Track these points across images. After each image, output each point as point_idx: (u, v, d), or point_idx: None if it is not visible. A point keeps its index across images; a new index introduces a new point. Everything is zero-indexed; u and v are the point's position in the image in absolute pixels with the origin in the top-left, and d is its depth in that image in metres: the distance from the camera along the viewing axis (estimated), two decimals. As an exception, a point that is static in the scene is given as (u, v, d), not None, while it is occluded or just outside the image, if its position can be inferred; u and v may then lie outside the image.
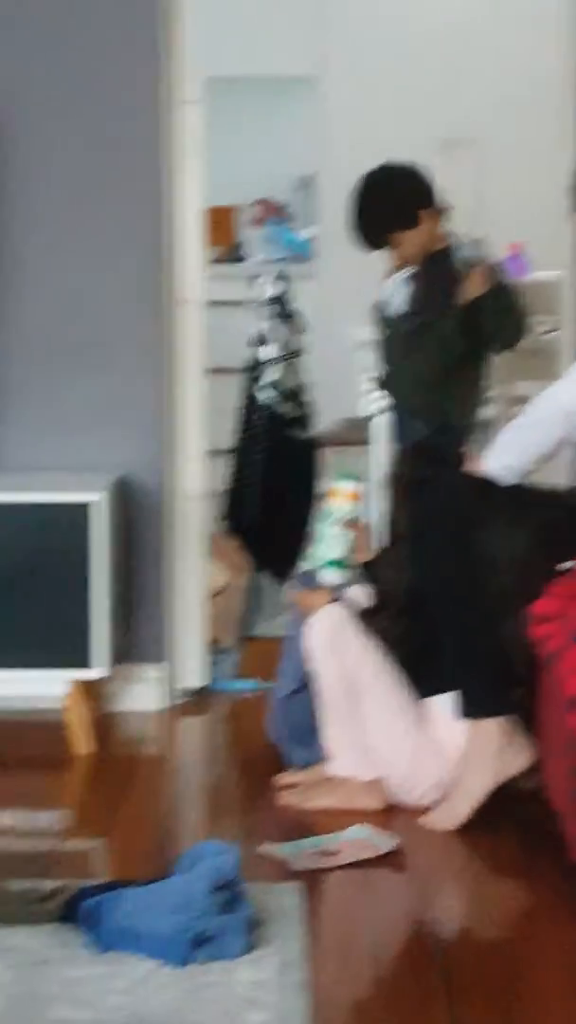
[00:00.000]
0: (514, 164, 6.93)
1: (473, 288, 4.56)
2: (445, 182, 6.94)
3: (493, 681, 3.46)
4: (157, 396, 4.33)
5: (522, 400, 5.55)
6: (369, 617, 3.60)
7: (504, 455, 3.54)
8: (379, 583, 3.67)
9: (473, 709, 3.48)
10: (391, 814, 3.56)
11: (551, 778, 3.35)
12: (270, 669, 4.03)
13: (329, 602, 3.62)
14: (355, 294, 4.83)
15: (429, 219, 4.58)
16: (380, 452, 5.44)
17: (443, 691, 3.54)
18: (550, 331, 5.57)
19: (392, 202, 4.56)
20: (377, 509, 5.38)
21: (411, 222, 4.56)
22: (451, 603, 3.49)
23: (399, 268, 4.73)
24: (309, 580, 3.69)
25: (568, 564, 3.41)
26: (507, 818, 3.48)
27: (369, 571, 3.78)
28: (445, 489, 3.57)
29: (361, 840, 3.38)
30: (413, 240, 4.60)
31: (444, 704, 3.54)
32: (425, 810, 3.53)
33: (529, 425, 3.54)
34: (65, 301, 4.29)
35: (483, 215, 6.93)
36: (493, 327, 4.52)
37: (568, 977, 2.81)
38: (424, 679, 3.57)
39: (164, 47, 4.26)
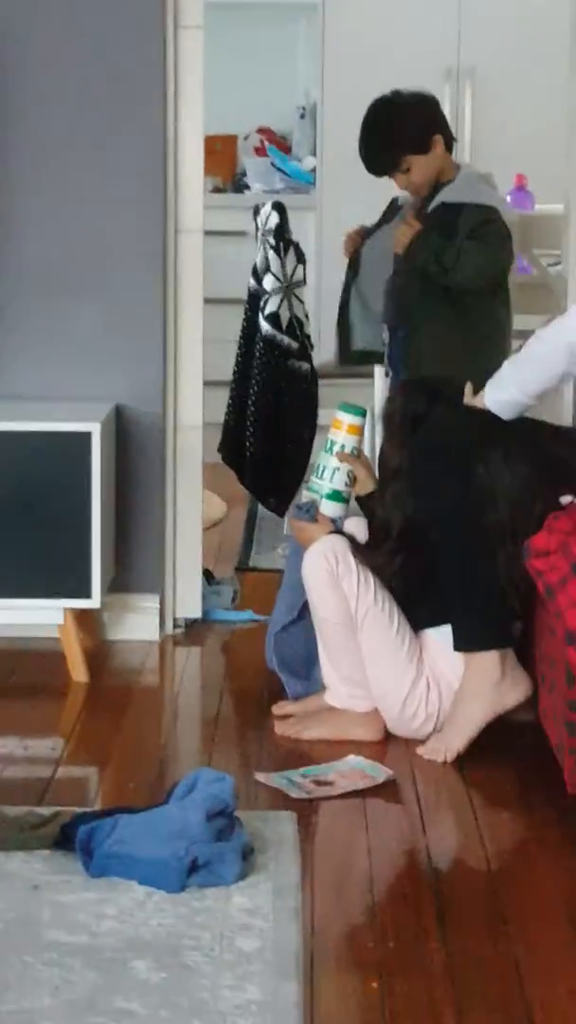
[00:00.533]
0: (517, 96, 6.86)
1: (398, 244, 4.53)
2: (448, 111, 6.93)
3: (491, 614, 3.46)
4: (156, 326, 4.31)
5: (527, 334, 5.54)
6: (367, 550, 3.59)
7: (505, 389, 3.52)
8: (376, 517, 3.65)
9: (470, 642, 3.48)
10: (387, 745, 3.57)
11: (548, 711, 3.36)
12: (267, 601, 4.03)
13: (328, 534, 3.61)
14: (354, 223, 4.78)
15: (440, 146, 4.54)
16: (381, 386, 5.42)
17: (440, 624, 3.54)
18: (555, 264, 5.54)
19: (406, 125, 4.52)
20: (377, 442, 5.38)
21: (424, 146, 4.52)
22: (450, 537, 3.48)
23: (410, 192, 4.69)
24: (308, 511, 3.68)
25: (568, 498, 3.40)
26: (503, 750, 3.49)
27: (367, 505, 3.78)
28: (443, 424, 3.56)
29: (356, 770, 3.39)
30: (424, 166, 4.55)
31: (441, 636, 3.54)
32: (421, 742, 3.53)
33: (532, 359, 3.52)
34: (65, 230, 4.26)
35: (486, 147, 6.88)
36: (438, 270, 4.47)
37: (561, 907, 2.82)
38: (421, 612, 3.57)
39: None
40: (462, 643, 3.49)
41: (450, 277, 4.45)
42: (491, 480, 3.43)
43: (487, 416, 3.52)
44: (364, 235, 4.80)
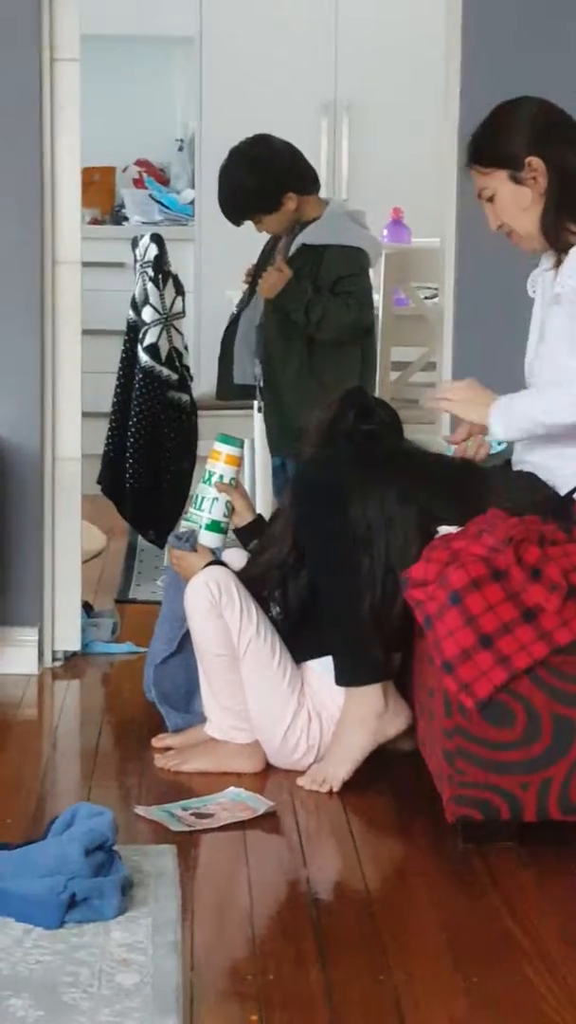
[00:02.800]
0: (394, 130, 6.94)
1: (266, 288, 4.57)
2: (324, 146, 6.99)
3: (370, 649, 3.47)
4: (33, 357, 4.28)
5: (404, 366, 5.60)
6: (249, 580, 3.59)
7: (518, 434, 3.42)
8: (262, 546, 3.64)
9: (351, 677, 3.49)
10: (268, 776, 3.57)
11: (426, 739, 3.38)
12: (147, 633, 4.01)
13: (207, 564, 3.61)
14: (235, 257, 4.81)
15: (292, 202, 4.56)
16: (260, 417, 5.44)
17: (321, 655, 3.54)
18: (431, 296, 5.60)
19: (252, 186, 4.54)
20: (261, 471, 5.40)
21: (272, 207, 4.56)
22: (326, 575, 3.49)
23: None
24: (188, 540, 3.67)
25: (445, 529, 3.42)
26: (382, 779, 3.50)
27: (244, 535, 3.77)
28: (321, 458, 3.56)
29: (237, 802, 3.39)
30: (275, 221, 4.61)
31: (323, 668, 3.54)
32: (302, 772, 3.53)
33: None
34: None
35: (363, 180, 6.95)
36: (304, 321, 4.51)
37: (440, 936, 2.83)
38: (303, 643, 3.57)
39: (45, 3, 4.21)
40: (343, 678, 3.50)
41: (313, 330, 4.51)
42: (368, 516, 3.44)
43: (367, 449, 3.52)
44: (260, 259, 4.82)
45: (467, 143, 3.52)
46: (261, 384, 4.75)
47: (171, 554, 3.76)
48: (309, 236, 4.57)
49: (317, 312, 4.50)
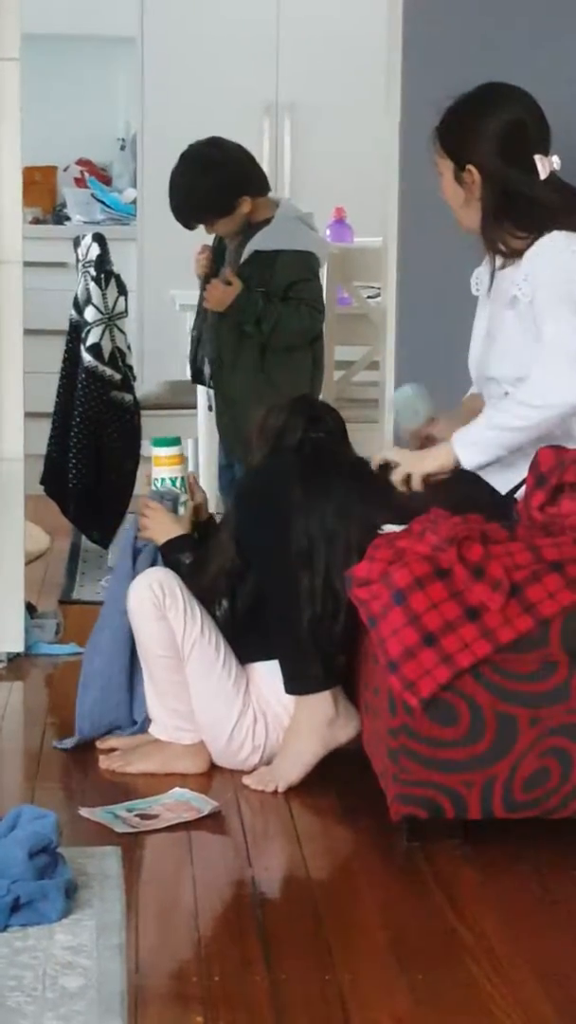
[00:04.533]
0: (335, 130, 6.94)
1: (214, 302, 4.56)
2: (267, 146, 6.98)
3: (317, 656, 3.46)
4: (-25, 358, 4.25)
5: (347, 364, 5.60)
6: (199, 590, 3.57)
7: (486, 454, 3.41)
8: (209, 553, 3.62)
9: (300, 685, 3.49)
10: (213, 776, 3.56)
11: (371, 738, 3.38)
12: (89, 634, 3.99)
13: (172, 541, 3.60)
14: (178, 257, 4.80)
15: (246, 204, 4.55)
16: (205, 417, 5.43)
17: (267, 658, 3.54)
18: (374, 296, 5.60)
19: (207, 188, 4.53)
20: (205, 470, 5.38)
21: (225, 210, 4.55)
22: (270, 584, 3.48)
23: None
24: (169, 500, 3.67)
25: (390, 527, 3.42)
26: (327, 778, 3.49)
27: (200, 534, 3.74)
28: (263, 468, 3.55)
29: (182, 802, 3.38)
30: (227, 224, 4.60)
31: (268, 669, 3.54)
32: (248, 772, 3.52)
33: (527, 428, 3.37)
34: None
35: (305, 180, 6.95)
36: (256, 331, 4.51)
37: (384, 935, 2.83)
38: (248, 644, 3.56)
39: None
40: (291, 687, 3.50)
41: (266, 338, 4.51)
42: (310, 531, 3.43)
43: (312, 461, 3.50)
44: (212, 253, 4.79)
45: (445, 107, 3.51)
46: (210, 385, 4.75)
47: (143, 506, 3.71)
48: (261, 242, 4.56)
49: (270, 322, 4.51)
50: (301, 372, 4.60)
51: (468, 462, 3.44)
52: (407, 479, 3.51)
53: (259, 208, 4.60)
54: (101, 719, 3.70)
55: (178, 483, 3.72)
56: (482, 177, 3.46)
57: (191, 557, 3.63)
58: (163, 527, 3.67)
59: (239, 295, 4.52)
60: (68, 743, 3.70)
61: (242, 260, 4.59)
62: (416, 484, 3.50)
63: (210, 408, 4.88)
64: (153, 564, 3.63)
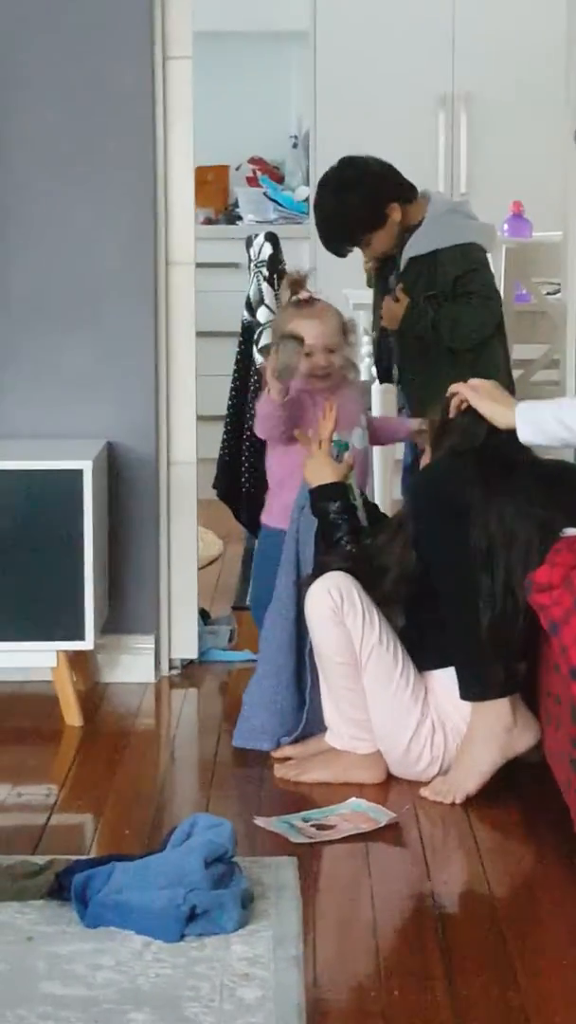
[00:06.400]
0: (513, 122, 6.89)
1: (389, 320, 4.55)
2: (442, 140, 6.96)
3: (497, 661, 3.45)
4: (148, 360, 4.31)
5: (526, 363, 5.56)
6: (371, 582, 3.57)
7: (539, 437, 3.43)
8: (380, 555, 3.63)
9: (477, 690, 3.47)
10: (390, 787, 3.56)
11: (553, 749, 3.35)
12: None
13: (335, 482, 3.68)
14: (351, 255, 4.80)
15: (397, 212, 4.53)
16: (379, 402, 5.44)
17: (445, 665, 3.53)
18: (553, 292, 5.55)
19: (350, 209, 4.51)
20: (381, 474, 5.39)
21: (379, 222, 4.53)
22: (449, 588, 3.47)
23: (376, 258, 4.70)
24: (340, 445, 3.82)
25: (570, 530, 3.40)
26: (508, 789, 3.47)
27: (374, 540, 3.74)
28: (442, 469, 3.54)
29: (359, 813, 3.38)
30: (384, 237, 4.57)
31: (447, 677, 3.53)
32: (425, 784, 3.52)
33: None
34: (55, 263, 4.27)
35: (482, 173, 6.91)
36: (436, 338, 4.51)
37: (570, 951, 2.81)
38: (426, 652, 3.56)
39: (157, 2, 4.23)
40: (470, 693, 3.48)
41: (448, 343, 4.49)
42: (490, 532, 3.41)
43: (491, 460, 3.49)
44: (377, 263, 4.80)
45: None
46: (398, 390, 4.76)
47: (307, 445, 3.80)
48: (414, 247, 4.54)
49: (447, 324, 4.49)
50: (495, 365, 4.56)
51: (522, 435, 3.41)
52: (457, 402, 3.51)
53: (411, 213, 4.57)
54: (270, 725, 3.74)
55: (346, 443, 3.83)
56: None
57: (340, 509, 3.67)
58: (321, 469, 3.72)
59: (407, 310, 4.51)
60: (237, 743, 3.77)
61: (401, 270, 4.58)
62: (454, 406, 3.51)
63: (400, 409, 4.89)
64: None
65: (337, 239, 4.61)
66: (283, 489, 4.06)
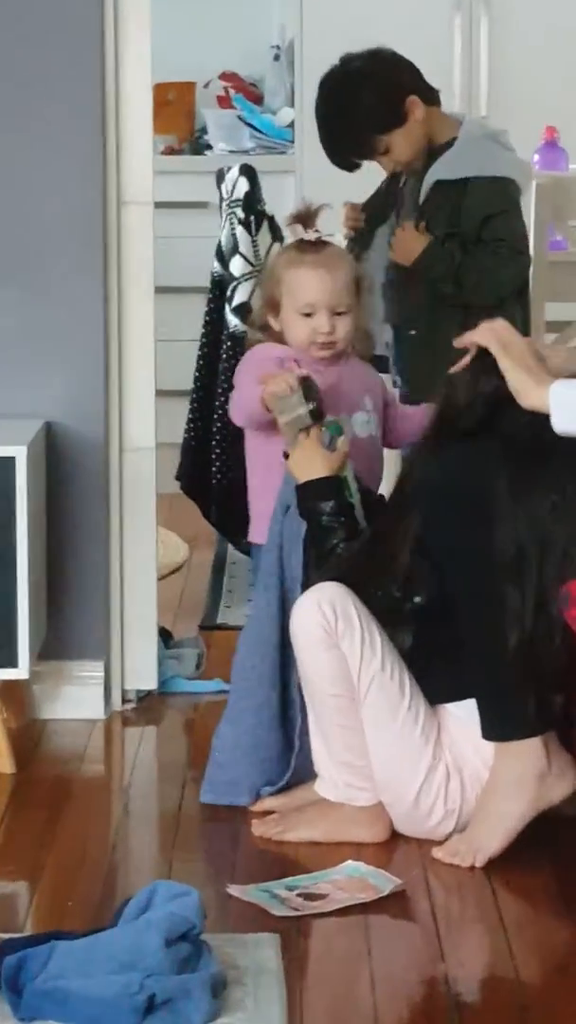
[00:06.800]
0: (545, 30, 6.90)
1: (401, 254, 4.55)
2: (458, 50, 6.96)
3: (527, 692, 3.46)
4: (96, 323, 4.31)
5: (561, 326, 5.57)
6: (372, 590, 3.57)
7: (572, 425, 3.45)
8: (382, 546, 3.63)
9: (504, 730, 3.48)
10: (395, 847, 3.57)
11: (595, 800, 3.37)
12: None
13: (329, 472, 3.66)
14: (344, 191, 4.81)
15: (419, 108, 4.54)
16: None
17: (463, 697, 3.54)
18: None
19: (361, 105, 4.54)
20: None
21: (398, 118, 4.54)
22: (470, 599, 3.48)
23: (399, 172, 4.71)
24: (334, 430, 3.74)
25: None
26: (540, 849, 3.49)
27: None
28: (458, 453, 3.54)
29: (356, 879, 3.39)
30: (406, 140, 4.57)
31: (464, 712, 3.54)
32: (438, 843, 3.53)
33: None
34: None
35: (507, 92, 6.92)
36: (455, 289, 4.51)
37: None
38: (439, 681, 3.58)
39: None
40: (494, 732, 3.49)
41: (467, 296, 4.50)
42: (519, 535, 3.42)
43: (518, 444, 3.50)
44: (366, 212, 4.80)
45: None
46: (395, 353, 4.75)
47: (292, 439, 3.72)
48: (443, 169, 4.56)
49: (472, 276, 4.49)
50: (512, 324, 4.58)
51: (556, 423, 3.40)
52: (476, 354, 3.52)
53: (437, 123, 4.59)
54: (248, 776, 3.74)
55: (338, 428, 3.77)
56: None
57: (335, 510, 3.65)
58: (309, 460, 3.70)
59: (428, 248, 4.51)
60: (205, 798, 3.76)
61: (422, 197, 4.58)
62: (469, 356, 3.51)
63: (395, 384, 4.89)
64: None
65: (347, 143, 4.62)
66: (267, 491, 3.97)
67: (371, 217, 4.79)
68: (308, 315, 3.95)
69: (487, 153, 4.60)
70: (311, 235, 4.01)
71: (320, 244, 4.01)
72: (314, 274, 3.97)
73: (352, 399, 4.03)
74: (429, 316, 4.59)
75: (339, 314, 3.98)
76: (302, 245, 4.04)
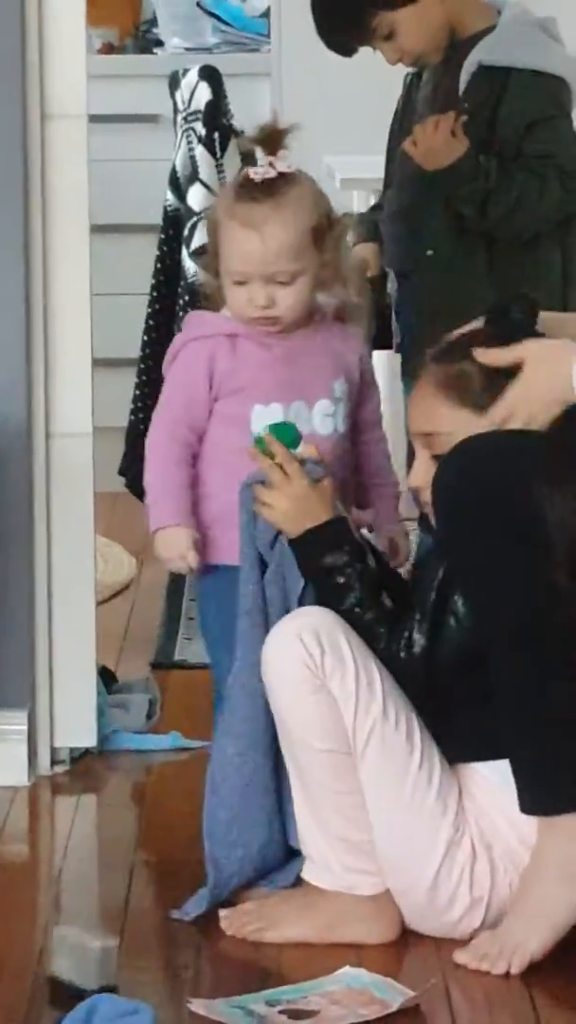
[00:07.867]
0: None
1: (424, 154, 4.55)
2: None
3: (573, 756, 3.48)
4: (15, 271, 4.33)
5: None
6: (372, 628, 3.59)
7: None
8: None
9: (547, 800, 3.50)
10: (406, 949, 3.59)
11: None
12: (201, 716, 4.03)
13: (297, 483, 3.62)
14: (332, 100, 4.83)
15: None
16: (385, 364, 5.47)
17: (492, 757, 3.56)
18: None
19: None
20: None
21: None
22: (499, 640, 3.49)
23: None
24: (318, 466, 3.67)
25: None
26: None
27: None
28: (482, 444, 3.54)
29: (356, 991, 3.39)
30: (416, 22, 4.59)
31: (494, 773, 3.56)
32: (460, 943, 3.54)
33: None
34: None
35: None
36: (479, 218, 4.53)
37: None
38: (460, 734, 3.60)
39: None
40: (536, 804, 3.50)
41: (495, 227, 4.52)
42: (564, 543, 3.43)
43: (552, 434, 3.52)
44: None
45: None
46: (396, 308, 4.77)
47: (267, 467, 3.65)
48: (486, 52, 4.61)
49: (508, 200, 4.49)
50: (549, 275, 4.60)
51: None
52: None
53: (465, 8, 4.63)
54: (245, 863, 3.74)
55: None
56: None
57: (348, 566, 3.61)
58: (300, 505, 3.64)
59: (461, 158, 4.50)
60: (193, 909, 3.73)
61: (462, 86, 4.59)
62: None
63: (396, 349, 4.91)
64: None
65: (344, 19, 4.64)
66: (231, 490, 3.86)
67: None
68: (241, 283, 3.81)
69: (534, 41, 4.64)
70: (259, 170, 3.79)
71: (267, 185, 3.77)
72: (242, 235, 3.75)
73: (314, 384, 3.87)
74: (447, 252, 4.61)
75: (280, 284, 3.78)
76: (244, 186, 3.82)
